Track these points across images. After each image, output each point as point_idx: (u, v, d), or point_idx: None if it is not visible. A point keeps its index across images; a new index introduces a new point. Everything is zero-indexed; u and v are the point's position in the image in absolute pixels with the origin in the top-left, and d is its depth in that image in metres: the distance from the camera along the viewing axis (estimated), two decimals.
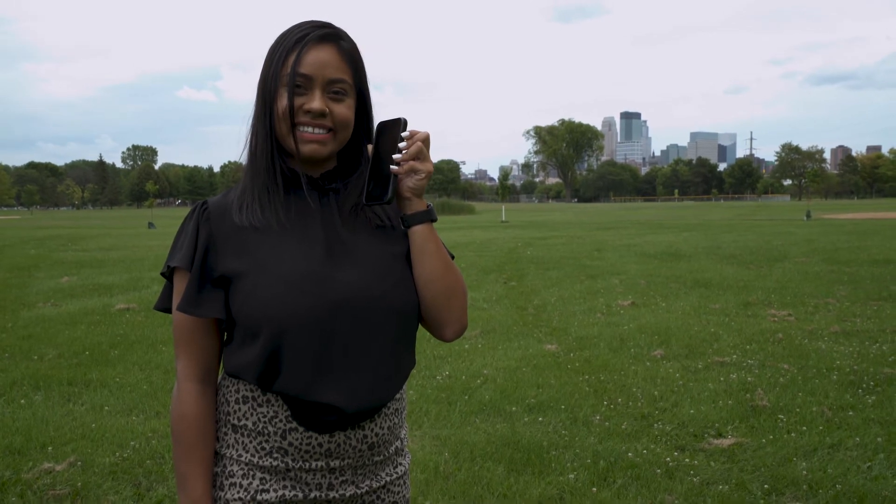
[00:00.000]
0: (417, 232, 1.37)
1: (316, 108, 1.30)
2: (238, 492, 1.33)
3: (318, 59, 1.31)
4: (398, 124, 1.33)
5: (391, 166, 1.32)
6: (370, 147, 1.37)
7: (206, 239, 1.34)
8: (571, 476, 3.74)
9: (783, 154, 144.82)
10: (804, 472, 3.73)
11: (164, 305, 1.41)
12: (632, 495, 3.53)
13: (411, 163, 1.32)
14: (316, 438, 1.31)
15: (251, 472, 1.33)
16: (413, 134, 1.32)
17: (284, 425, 1.31)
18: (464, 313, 1.42)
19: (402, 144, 1.32)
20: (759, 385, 5.33)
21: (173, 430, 1.35)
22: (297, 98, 1.31)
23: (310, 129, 1.32)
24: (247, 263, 1.31)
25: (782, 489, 3.57)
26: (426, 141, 1.33)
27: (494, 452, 4.07)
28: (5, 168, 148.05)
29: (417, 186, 1.33)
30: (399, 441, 1.44)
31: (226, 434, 1.36)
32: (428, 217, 1.37)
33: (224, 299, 1.33)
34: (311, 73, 1.31)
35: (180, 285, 1.35)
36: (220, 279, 1.32)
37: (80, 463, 3.96)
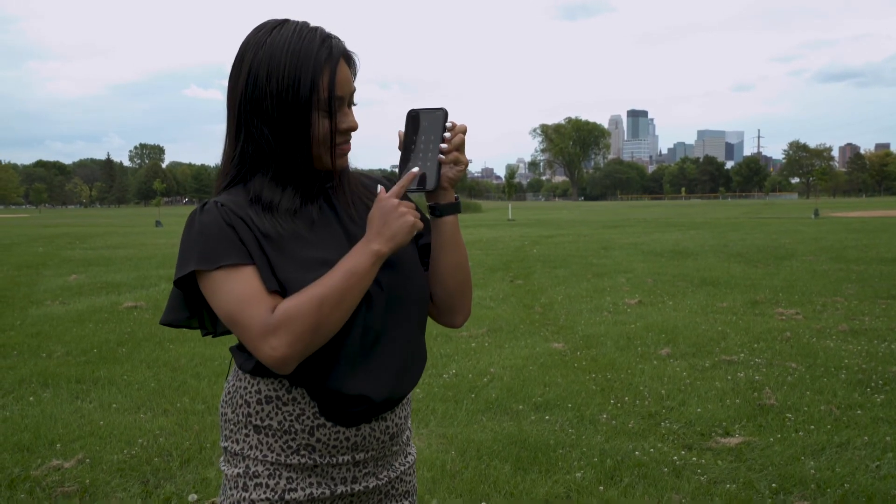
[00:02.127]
0: (448, 223, 1.39)
1: (355, 126, 1.35)
2: (265, 492, 1.32)
3: (345, 77, 1.32)
4: (441, 114, 1.34)
5: (439, 155, 1.33)
6: (401, 132, 1.36)
7: (247, 228, 1.28)
8: (578, 475, 3.74)
9: (791, 152, 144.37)
10: (812, 471, 3.72)
11: (174, 318, 1.35)
12: (639, 494, 3.52)
13: (455, 153, 1.33)
14: (343, 433, 1.32)
15: (277, 472, 1.32)
16: (454, 125, 1.34)
17: (312, 422, 1.31)
18: (471, 302, 1.50)
19: (447, 135, 1.33)
20: (767, 384, 5.31)
21: (309, 318, 1.20)
22: (334, 120, 1.33)
23: (344, 145, 1.36)
24: (279, 260, 1.29)
25: (790, 488, 3.56)
26: (465, 133, 1.35)
27: (501, 451, 4.07)
28: (14, 167, 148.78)
29: (456, 178, 1.36)
30: (409, 430, 1.48)
31: (247, 436, 1.34)
32: (458, 209, 1.40)
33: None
34: (343, 95, 1.32)
35: (237, 277, 1.24)
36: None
37: (88, 460, 3.98)
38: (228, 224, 1.27)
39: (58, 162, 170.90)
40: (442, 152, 1.33)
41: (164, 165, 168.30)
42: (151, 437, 4.33)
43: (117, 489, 3.62)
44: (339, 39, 1.34)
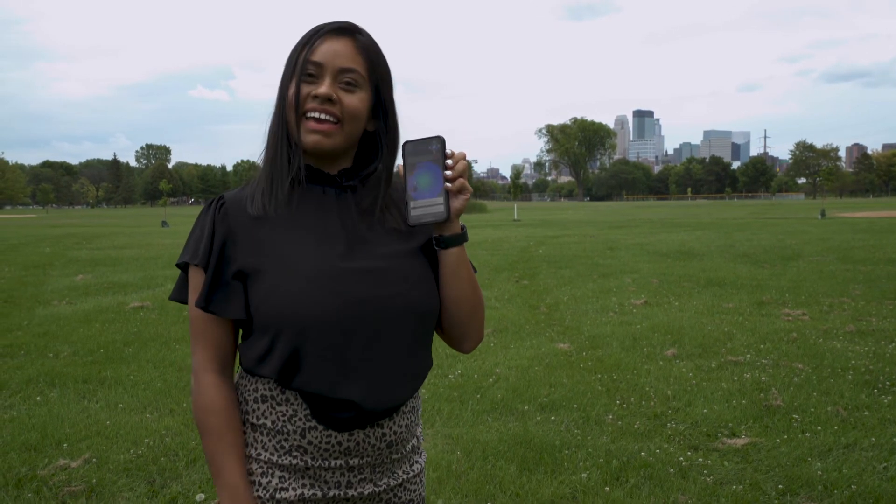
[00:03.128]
0: (453, 254, 1.36)
1: (322, 92, 1.30)
2: (257, 490, 1.34)
3: (331, 48, 1.32)
4: (440, 142, 1.30)
5: (446, 184, 1.29)
6: (400, 166, 1.34)
7: (224, 234, 1.33)
8: (584, 475, 3.73)
9: (797, 152, 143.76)
10: (819, 473, 3.71)
11: (179, 297, 1.41)
12: (645, 495, 3.52)
13: (461, 181, 1.30)
14: (335, 437, 1.31)
15: (270, 471, 1.33)
16: (453, 153, 1.31)
17: (304, 424, 1.31)
18: (483, 327, 1.46)
19: (448, 162, 1.30)
20: (774, 384, 5.30)
21: (199, 422, 1.34)
22: (308, 86, 1.31)
23: (316, 115, 1.31)
24: (266, 260, 1.31)
25: (797, 489, 3.55)
26: (465, 159, 1.32)
27: (506, 451, 4.07)
28: (21, 167, 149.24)
29: (461, 207, 1.31)
30: (415, 439, 1.45)
31: (244, 433, 1.36)
32: (463, 239, 1.36)
33: (242, 297, 1.32)
34: (321, 61, 1.31)
35: (196, 280, 1.35)
36: (238, 275, 1.32)
37: (94, 460, 3.99)
38: (213, 221, 1.35)
39: (64, 162, 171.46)
40: (447, 180, 1.29)
41: (170, 166, 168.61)
42: (158, 436, 4.35)
43: (124, 489, 3.63)
44: (357, 26, 1.36)
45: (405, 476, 1.42)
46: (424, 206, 1.30)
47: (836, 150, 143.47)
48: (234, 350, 1.39)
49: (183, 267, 1.38)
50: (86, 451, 4.13)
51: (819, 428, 4.38)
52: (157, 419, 4.70)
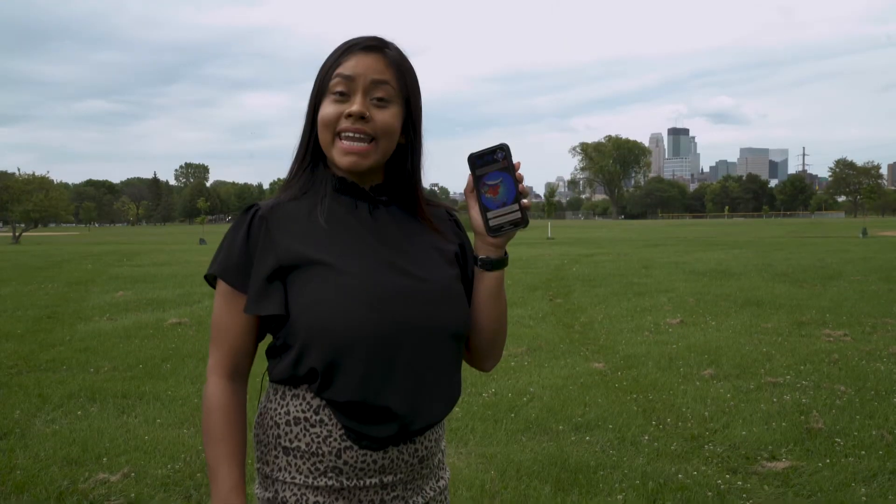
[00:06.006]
0: (494, 277, 1.38)
1: (356, 111, 1.30)
2: None
3: (362, 62, 1.32)
4: (505, 149, 1.31)
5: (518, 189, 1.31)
6: (470, 177, 1.34)
7: (259, 240, 1.34)
8: (620, 497, 3.69)
9: (837, 170, 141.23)
10: (864, 499, 3.61)
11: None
12: None
13: (523, 185, 1.33)
14: (370, 455, 1.31)
15: (304, 497, 1.32)
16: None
17: (339, 444, 1.30)
18: (503, 347, 1.50)
19: (519, 172, 1.31)
20: (815, 407, 5.18)
21: (203, 424, 1.37)
22: (340, 105, 1.32)
23: (350, 135, 1.31)
24: (307, 272, 1.31)
25: None
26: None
27: (541, 471, 4.03)
28: (65, 185, 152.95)
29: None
30: (441, 453, 1.45)
31: (276, 457, 1.35)
32: (505, 263, 1.38)
33: (281, 297, 1.31)
34: (352, 74, 1.31)
35: (224, 285, 1.37)
36: (276, 276, 1.32)
37: (133, 474, 4.05)
38: (249, 228, 1.35)
39: (107, 181, 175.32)
40: (520, 191, 1.31)
41: (208, 184, 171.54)
42: (194, 452, 4.40)
43: (162, 503, 3.68)
44: (386, 41, 1.36)
45: (432, 493, 1.42)
46: (501, 214, 1.31)
47: (878, 167, 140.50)
48: (250, 358, 1.40)
49: (211, 280, 1.41)
50: (125, 465, 4.19)
51: (863, 452, 4.28)
52: (194, 435, 4.76)
